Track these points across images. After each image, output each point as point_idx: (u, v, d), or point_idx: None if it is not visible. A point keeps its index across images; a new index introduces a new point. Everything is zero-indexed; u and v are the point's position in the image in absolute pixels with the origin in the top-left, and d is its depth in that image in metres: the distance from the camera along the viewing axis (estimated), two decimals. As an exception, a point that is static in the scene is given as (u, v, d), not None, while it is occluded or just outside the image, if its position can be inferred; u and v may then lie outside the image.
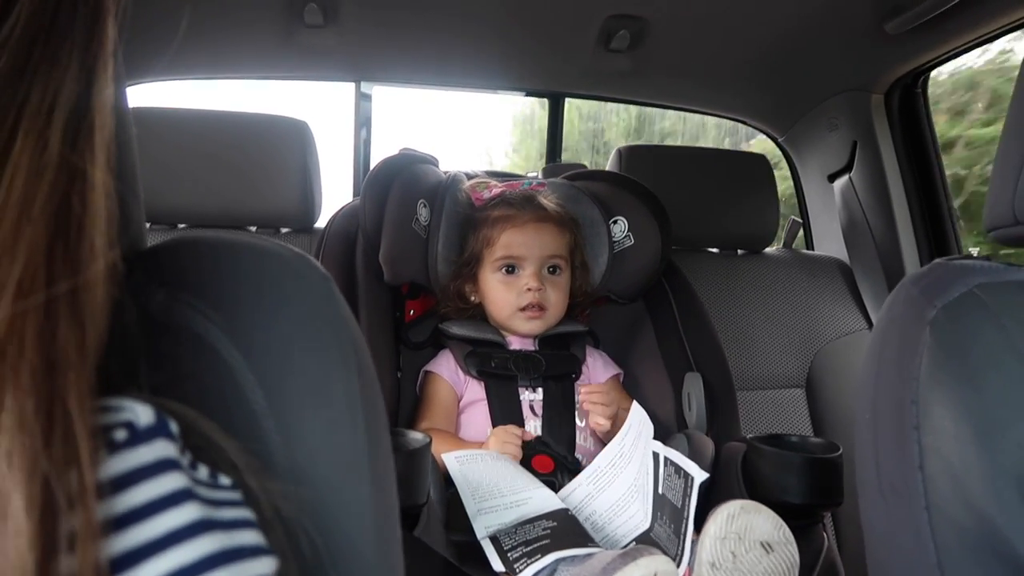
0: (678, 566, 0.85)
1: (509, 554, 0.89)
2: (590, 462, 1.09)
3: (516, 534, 0.91)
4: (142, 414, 0.28)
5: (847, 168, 1.76)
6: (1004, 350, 0.47)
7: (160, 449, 0.28)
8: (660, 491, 0.95)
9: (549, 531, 0.90)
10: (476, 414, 1.17)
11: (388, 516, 0.40)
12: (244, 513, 0.30)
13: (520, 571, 0.86)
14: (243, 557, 0.28)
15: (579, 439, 1.18)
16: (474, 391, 1.20)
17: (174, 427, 0.29)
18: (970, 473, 0.45)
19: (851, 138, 1.72)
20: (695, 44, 1.60)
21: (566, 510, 0.96)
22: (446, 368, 1.22)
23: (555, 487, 1.09)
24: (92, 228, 0.26)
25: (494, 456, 1.05)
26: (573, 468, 1.12)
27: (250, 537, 0.29)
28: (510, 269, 1.23)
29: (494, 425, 1.13)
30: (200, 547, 0.26)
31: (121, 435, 0.27)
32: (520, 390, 1.19)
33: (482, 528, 0.95)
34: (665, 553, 0.89)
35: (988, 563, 0.44)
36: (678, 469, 0.92)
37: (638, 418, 1.02)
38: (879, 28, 1.40)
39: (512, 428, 1.11)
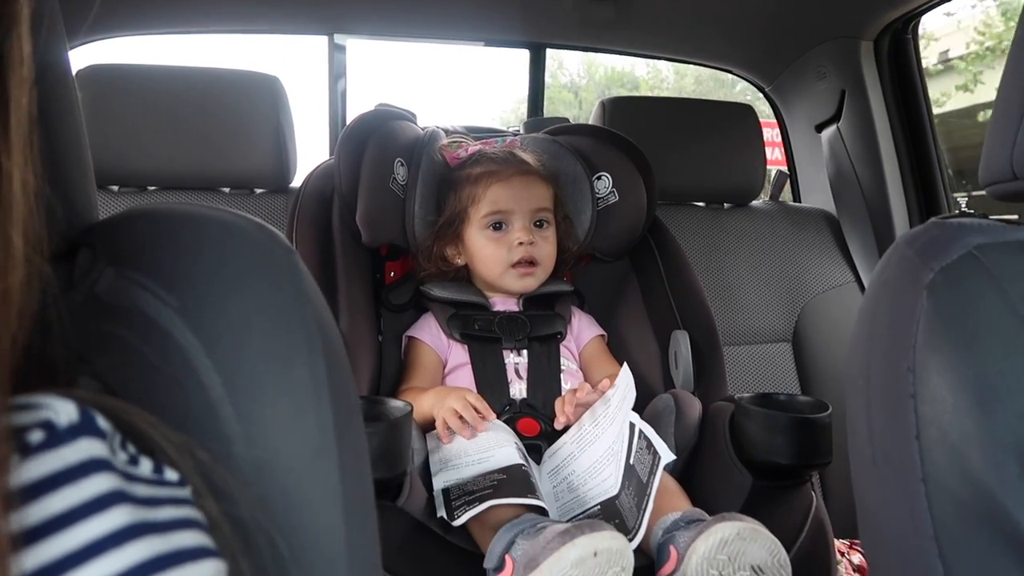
0: (632, 539, 0.85)
1: (454, 503, 0.92)
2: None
3: (466, 486, 0.93)
4: (63, 412, 0.25)
5: (835, 118, 1.72)
6: (1004, 315, 0.45)
7: (84, 449, 0.25)
8: (631, 462, 0.95)
9: (495, 483, 0.92)
10: (461, 378, 1.15)
11: (360, 506, 0.37)
12: (186, 512, 0.27)
13: (457, 518, 0.89)
14: (181, 561, 0.26)
15: (565, 401, 1.16)
16: (458, 354, 1.17)
17: (103, 423, 0.26)
18: (968, 444, 0.43)
19: (839, 87, 1.68)
20: (680, -9, 1.54)
21: (520, 465, 0.96)
22: (428, 332, 1.19)
23: (540, 450, 1.08)
24: (10, 227, 0.24)
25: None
26: (558, 430, 1.11)
27: (191, 538, 0.27)
28: (498, 225, 1.20)
29: (478, 389, 1.12)
30: (129, 555, 0.24)
31: (37, 437, 0.24)
32: (504, 352, 1.16)
33: (440, 482, 0.96)
34: (624, 523, 0.90)
35: (986, 535, 0.42)
36: (649, 445, 0.92)
37: (625, 381, 1.00)
38: (869, -29, 1.36)
39: (470, 398, 1.03)
